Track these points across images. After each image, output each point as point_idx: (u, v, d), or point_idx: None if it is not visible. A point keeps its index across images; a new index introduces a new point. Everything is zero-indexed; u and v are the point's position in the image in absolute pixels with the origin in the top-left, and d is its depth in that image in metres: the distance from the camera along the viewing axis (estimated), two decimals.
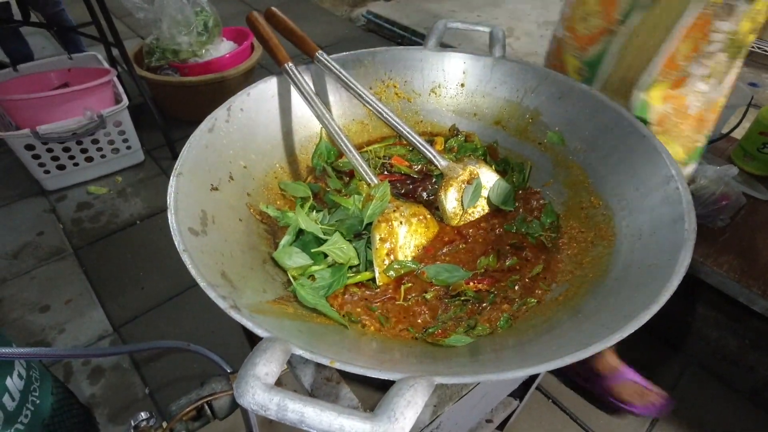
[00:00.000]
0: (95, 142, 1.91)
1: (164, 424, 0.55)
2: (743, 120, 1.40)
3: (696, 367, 1.36)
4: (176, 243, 0.46)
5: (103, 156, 1.97)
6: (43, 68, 2.05)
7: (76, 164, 1.93)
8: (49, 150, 1.82)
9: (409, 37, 3.06)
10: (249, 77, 2.36)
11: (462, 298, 0.57)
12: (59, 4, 2.30)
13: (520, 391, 1.07)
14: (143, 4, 2.13)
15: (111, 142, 1.96)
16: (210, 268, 0.47)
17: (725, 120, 1.44)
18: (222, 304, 0.41)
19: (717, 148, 1.49)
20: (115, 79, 1.95)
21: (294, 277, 0.58)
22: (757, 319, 1.19)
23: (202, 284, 0.43)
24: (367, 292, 0.58)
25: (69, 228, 1.82)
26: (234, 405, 0.60)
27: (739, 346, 1.31)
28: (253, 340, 1.00)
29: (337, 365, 0.36)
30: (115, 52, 2.03)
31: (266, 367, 0.34)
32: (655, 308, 0.40)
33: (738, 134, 1.44)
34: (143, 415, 0.58)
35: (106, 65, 2.12)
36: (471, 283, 0.59)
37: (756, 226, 1.27)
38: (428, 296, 0.58)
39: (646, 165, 0.59)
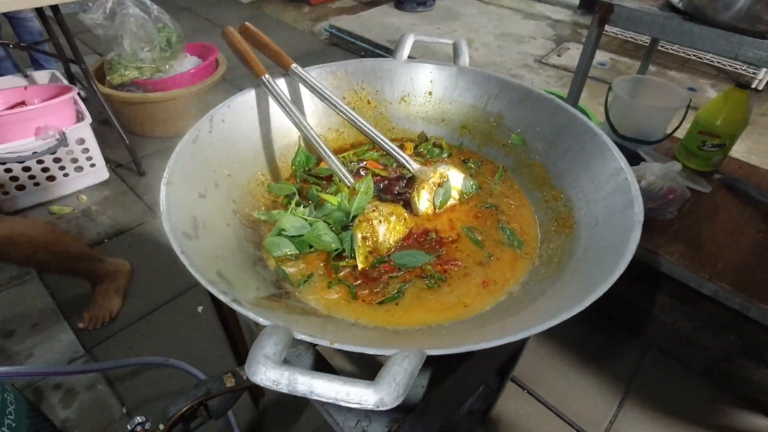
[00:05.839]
0: (57, 160, 1.86)
1: (161, 426, 0.57)
2: (683, 121, 1.53)
3: (655, 350, 1.46)
4: (174, 246, 0.49)
5: (65, 175, 1.92)
6: None
7: (36, 184, 1.87)
8: (8, 170, 1.76)
9: (372, 50, 3.14)
10: (215, 92, 2.36)
11: (428, 279, 0.63)
12: (29, 18, 2.29)
13: (496, 382, 1.12)
14: (103, 20, 2.11)
15: (74, 161, 1.91)
16: (207, 269, 0.50)
17: (668, 121, 1.57)
18: (224, 298, 0.44)
19: (662, 147, 1.62)
20: (77, 96, 1.91)
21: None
22: (707, 302, 1.30)
23: (203, 282, 0.45)
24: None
25: None
26: (229, 404, 0.61)
27: (693, 327, 1.42)
28: (236, 346, 1.01)
29: (337, 345, 0.40)
30: (75, 68, 2.00)
31: (274, 348, 0.37)
32: (611, 280, 0.46)
33: (680, 134, 1.57)
34: (138, 419, 0.59)
35: (66, 82, 2.07)
36: (438, 266, 0.64)
37: (700, 216, 1.38)
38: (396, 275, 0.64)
39: (598, 160, 0.66)
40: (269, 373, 0.35)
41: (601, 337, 1.48)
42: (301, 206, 0.72)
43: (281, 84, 0.81)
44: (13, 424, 0.91)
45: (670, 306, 1.49)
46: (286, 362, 0.36)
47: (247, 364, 0.36)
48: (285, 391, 0.34)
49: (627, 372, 1.41)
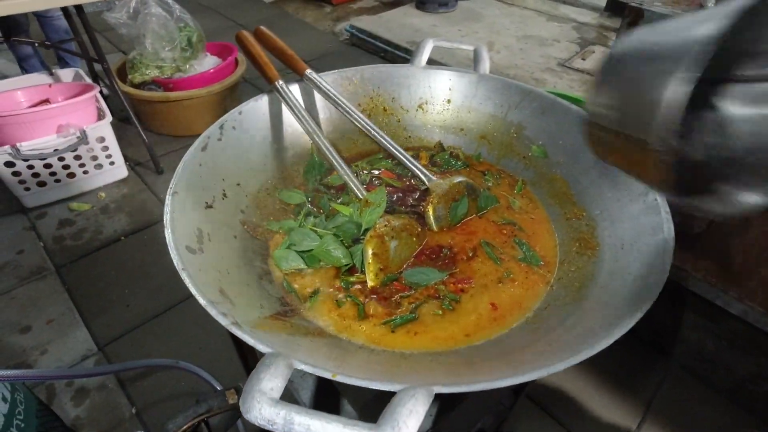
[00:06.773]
0: (78, 158, 1.88)
1: None
2: None
3: (677, 368, 1.40)
4: (175, 262, 0.47)
5: (85, 172, 1.94)
6: (23, 84, 2.03)
7: (57, 180, 1.90)
8: (30, 167, 1.79)
9: (392, 51, 3.11)
10: (234, 92, 2.36)
11: (442, 299, 0.60)
12: (57, 17, 2.33)
13: (509, 399, 1.09)
14: (126, 19, 2.13)
15: (94, 158, 1.93)
16: (209, 286, 0.48)
17: None
18: (223, 321, 0.42)
19: None
20: (98, 94, 1.94)
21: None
22: (734, 321, 1.23)
23: (203, 302, 0.44)
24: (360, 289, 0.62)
25: (50, 246, 1.79)
26: (231, 421, 0.60)
27: (717, 347, 1.35)
28: (245, 356, 1.00)
29: (339, 378, 0.37)
30: (98, 67, 2.02)
31: (271, 382, 0.35)
32: (638, 315, 0.43)
33: None
34: None
35: (89, 80, 2.10)
36: (451, 285, 0.61)
37: (729, 232, 1.32)
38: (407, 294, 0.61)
39: (625, 177, 0.62)
40: (264, 411, 0.32)
41: (621, 353, 1.42)
42: (312, 216, 0.70)
43: (295, 90, 0.79)
44: (22, 425, 0.91)
45: (694, 323, 1.43)
46: (286, 395, 0.34)
47: (242, 400, 0.33)
48: (280, 431, 0.32)
49: (647, 391, 1.35)
